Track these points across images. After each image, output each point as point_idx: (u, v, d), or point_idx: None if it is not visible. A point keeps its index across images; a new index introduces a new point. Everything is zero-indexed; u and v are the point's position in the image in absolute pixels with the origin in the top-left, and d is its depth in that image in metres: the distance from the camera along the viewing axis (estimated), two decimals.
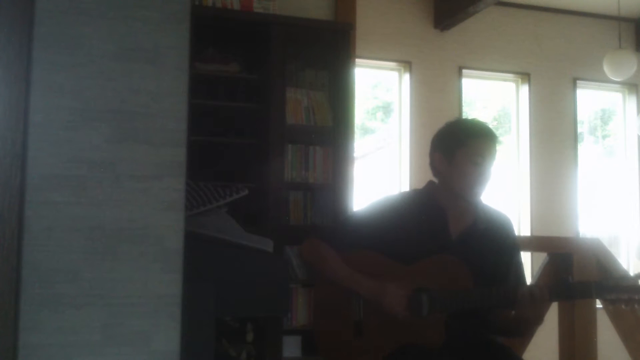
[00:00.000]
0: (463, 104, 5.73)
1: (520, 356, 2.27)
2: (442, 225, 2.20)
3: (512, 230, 2.32)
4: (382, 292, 2.08)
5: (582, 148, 6.20)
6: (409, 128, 5.49)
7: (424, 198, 2.26)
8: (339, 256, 2.17)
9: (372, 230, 2.19)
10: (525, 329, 2.19)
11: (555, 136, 5.97)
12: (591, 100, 6.49)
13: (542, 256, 3.24)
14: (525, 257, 5.45)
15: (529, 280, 2.41)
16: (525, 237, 4.91)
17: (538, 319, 2.13)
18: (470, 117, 2.37)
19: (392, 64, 5.63)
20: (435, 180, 2.29)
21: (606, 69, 5.31)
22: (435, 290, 2.09)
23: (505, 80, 6.06)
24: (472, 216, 2.23)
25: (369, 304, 2.13)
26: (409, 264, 2.14)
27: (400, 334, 2.09)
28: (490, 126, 2.27)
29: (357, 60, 4.41)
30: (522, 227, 5.80)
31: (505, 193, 5.92)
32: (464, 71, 5.74)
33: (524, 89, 5.96)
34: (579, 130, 6.16)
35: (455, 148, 2.19)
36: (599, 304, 3.16)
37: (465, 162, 2.17)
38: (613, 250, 3.65)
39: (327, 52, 4.05)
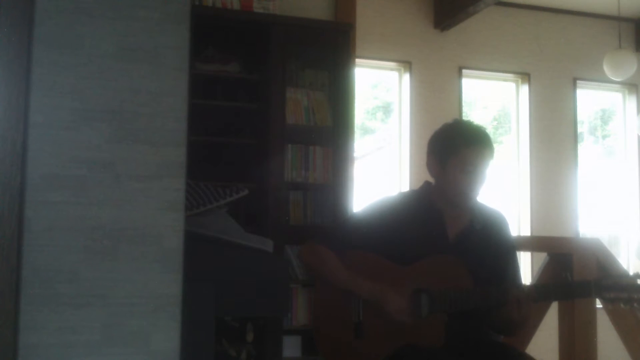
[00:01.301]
0: (463, 104, 5.72)
1: (524, 352, 2.27)
2: (439, 227, 2.20)
3: (508, 228, 2.33)
4: (384, 297, 2.08)
5: (582, 148, 6.20)
6: (409, 128, 5.49)
7: (421, 199, 2.26)
8: (338, 259, 2.18)
9: (370, 232, 2.19)
10: (511, 329, 2.18)
11: (555, 136, 5.97)
12: (591, 100, 6.49)
13: (542, 256, 3.24)
14: (525, 257, 5.47)
15: (528, 280, 2.40)
16: (525, 237, 4.91)
17: (523, 320, 2.11)
18: (466, 120, 2.34)
19: (392, 64, 5.63)
20: (431, 180, 2.30)
21: (606, 69, 5.31)
22: (435, 290, 2.09)
23: (505, 80, 6.05)
24: (468, 216, 2.23)
25: (369, 305, 2.13)
26: (407, 265, 2.14)
27: (400, 335, 2.09)
28: (485, 130, 2.24)
29: (357, 60, 4.41)
30: (522, 227, 5.80)
31: (505, 193, 5.92)
32: (464, 71, 5.73)
33: (524, 89, 5.96)
34: (579, 130, 6.16)
35: (447, 155, 2.18)
36: (598, 304, 3.15)
37: (457, 170, 2.16)
38: (613, 250, 3.64)
39: (327, 52, 4.05)
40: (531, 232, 5.68)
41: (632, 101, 6.34)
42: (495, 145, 2.23)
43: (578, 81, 6.07)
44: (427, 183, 2.31)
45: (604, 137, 6.75)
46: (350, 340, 2.14)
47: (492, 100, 6.41)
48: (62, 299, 1.15)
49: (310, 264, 2.27)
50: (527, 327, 2.18)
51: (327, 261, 2.18)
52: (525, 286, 2.11)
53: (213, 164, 3.78)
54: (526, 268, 5.40)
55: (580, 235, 5.87)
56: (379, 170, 6.31)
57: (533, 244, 3.86)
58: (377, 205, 2.27)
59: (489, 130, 2.28)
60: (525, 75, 5.94)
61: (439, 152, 2.21)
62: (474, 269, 2.12)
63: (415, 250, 2.15)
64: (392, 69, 5.68)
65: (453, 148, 2.18)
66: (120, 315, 1.18)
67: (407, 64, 5.56)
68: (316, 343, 2.24)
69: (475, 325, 2.18)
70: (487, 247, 2.21)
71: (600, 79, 5.78)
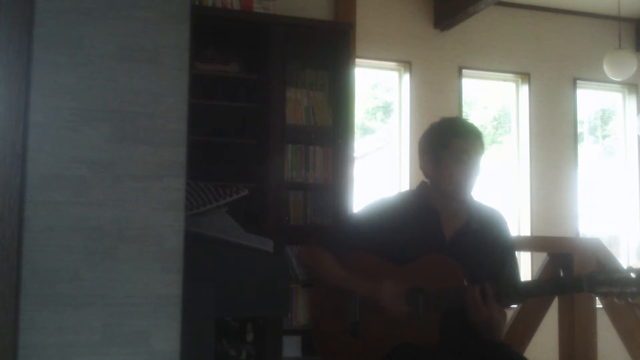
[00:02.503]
0: (463, 104, 5.73)
1: (519, 353, 2.27)
2: (435, 227, 2.21)
3: (506, 227, 2.32)
4: (379, 291, 2.09)
5: (582, 148, 6.20)
6: (409, 128, 5.49)
7: (417, 199, 2.27)
8: (335, 260, 2.20)
9: (367, 233, 2.20)
10: (481, 330, 2.14)
11: (555, 136, 5.97)
12: (591, 100, 6.49)
13: (542, 256, 3.24)
14: (525, 257, 5.47)
15: (527, 278, 2.39)
16: (525, 237, 4.91)
17: (485, 322, 2.06)
18: (453, 117, 2.38)
19: (392, 64, 5.63)
20: (427, 181, 2.30)
21: (606, 69, 5.31)
22: (430, 289, 2.10)
23: (505, 80, 6.06)
24: (465, 216, 2.24)
25: (366, 305, 2.14)
26: (403, 264, 2.15)
27: (396, 334, 2.10)
28: (473, 124, 2.29)
29: (357, 60, 4.41)
30: (522, 227, 5.80)
31: (505, 193, 5.92)
32: (464, 71, 5.74)
33: (524, 89, 5.96)
34: (579, 130, 6.16)
35: (440, 149, 2.20)
36: (599, 304, 3.16)
37: (451, 162, 2.18)
38: (613, 250, 3.64)
39: (327, 52, 4.05)
40: (531, 232, 5.69)
41: (632, 101, 6.34)
42: (489, 143, 2.25)
43: (578, 81, 6.07)
44: (423, 183, 2.32)
45: (604, 137, 6.75)
46: (348, 341, 2.15)
47: (492, 100, 6.41)
48: (62, 299, 1.15)
49: (308, 265, 2.32)
50: (497, 329, 2.13)
51: (324, 262, 2.20)
52: (485, 286, 2.06)
53: (213, 164, 3.78)
54: (526, 268, 5.40)
55: (580, 235, 5.87)
56: (379, 170, 6.31)
57: (533, 244, 3.86)
58: (374, 206, 2.29)
59: (489, 130, 2.30)
60: (525, 75, 5.95)
61: (432, 149, 2.24)
62: (471, 268, 2.12)
63: (411, 250, 2.15)
64: (392, 69, 5.68)
65: (445, 141, 2.20)
66: (120, 315, 1.18)
67: (407, 64, 5.56)
68: (315, 342, 2.25)
69: (470, 324, 2.17)
70: (484, 246, 2.21)
71: (600, 79, 5.78)
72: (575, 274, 2.88)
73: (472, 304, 2.04)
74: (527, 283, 2.32)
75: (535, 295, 2.30)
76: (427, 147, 2.27)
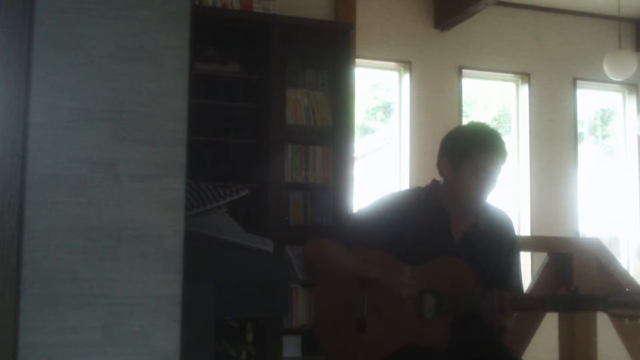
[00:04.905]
0: (463, 104, 5.72)
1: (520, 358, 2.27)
2: (444, 227, 2.20)
3: (512, 230, 2.32)
4: (395, 270, 2.07)
5: (582, 148, 6.20)
6: (409, 128, 5.48)
7: (427, 198, 2.25)
8: (343, 248, 2.15)
9: (375, 229, 2.17)
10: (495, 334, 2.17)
11: (555, 136, 5.97)
12: (591, 100, 6.49)
13: (542, 256, 3.24)
14: (525, 257, 5.47)
15: (527, 279, 2.40)
16: (525, 237, 4.90)
17: (498, 329, 2.10)
18: (481, 124, 2.30)
19: (392, 64, 5.63)
20: (439, 179, 2.28)
21: (606, 69, 5.31)
22: (443, 292, 2.09)
23: (505, 80, 6.05)
24: (473, 217, 2.23)
25: (374, 302, 2.12)
26: (412, 264, 2.13)
27: (404, 334, 2.09)
28: (500, 136, 2.21)
29: (357, 60, 4.41)
30: (522, 227, 5.80)
31: (505, 193, 5.92)
32: (464, 71, 5.73)
33: (524, 89, 5.96)
34: (579, 130, 6.15)
35: (461, 159, 2.17)
36: None
37: (470, 174, 2.15)
38: (613, 250, 3.64)
39: (327, 52, 4.05)
40: (531, 232, 5.68)
41: (632, 101, 6.34)
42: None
43: (578, 81, 6.07)
44: (435, 182, 2.29)
45: (604, 137, 6.75)
46: (352, 337, 2.13)
47: (492, 100, 6.41)
48: (62, 299, 1.15)
49: (316, 258, 2.26)
50: (505, 334, 2.17)
51: (333, 250, 2.16)
52: (504, 296, 2.08)
53: (213, 164, 3.78)
54: (526, 268, 5.40)
55: (580, 235, 5.86)
56: (379, 170, 6.31)
57: (533, 244, 3.86)
58: (382, 201, 2.26)
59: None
60: (525, 75, 5.94)
61: (452, 155, 2.20)
62: (478, 269, 2.12)
63: (420, 249, 2.14)
64: (392, 69, 5.67)
65: (467, 152, 2.16)
66: (120, 315, 1.18)
67: (407, 64, 5.56)
68: (317, 340, 2.22)
69: (479, 327, 2.16)
70: (491, 248, 2.21)
71: (600, 79, 5.78)
72: (579, 279, 2.87)
73: (489, 312, 2.04)
74: (544, 297, 2.34)
75: (550, 310, 2.31)
76: (448, 151, 2.22)
